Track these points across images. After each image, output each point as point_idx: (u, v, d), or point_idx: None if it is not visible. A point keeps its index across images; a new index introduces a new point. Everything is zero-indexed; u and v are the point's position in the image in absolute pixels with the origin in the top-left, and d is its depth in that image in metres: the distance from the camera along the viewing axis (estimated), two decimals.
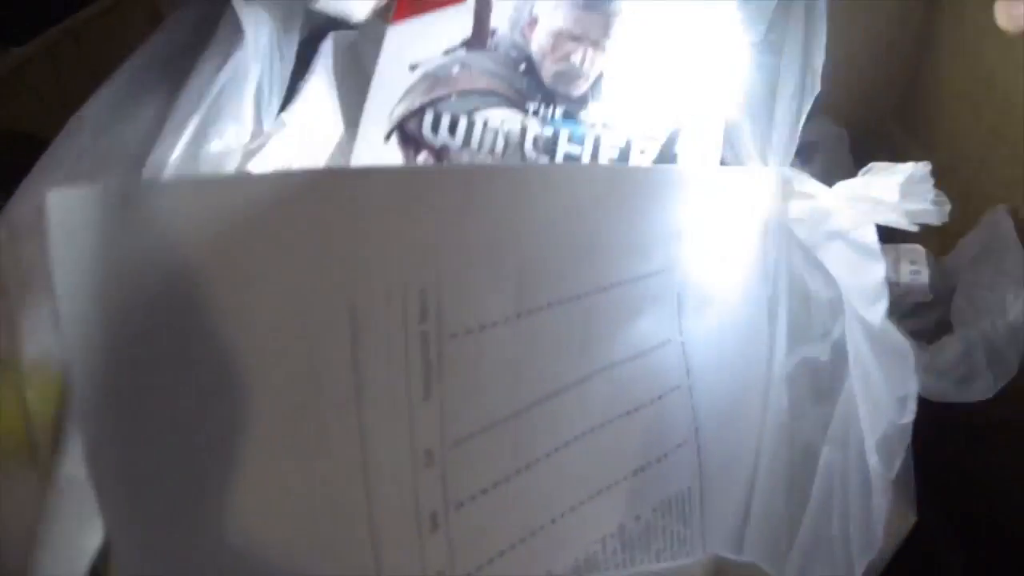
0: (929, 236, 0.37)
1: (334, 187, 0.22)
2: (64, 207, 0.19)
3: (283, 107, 0.40)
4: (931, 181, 0.34)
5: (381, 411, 0.24)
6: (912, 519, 0.30)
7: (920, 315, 0.41)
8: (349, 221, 0.22)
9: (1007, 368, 0.37)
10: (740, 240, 0.36)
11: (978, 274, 0.40)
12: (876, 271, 0.31)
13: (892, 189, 0.34)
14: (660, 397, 0.32)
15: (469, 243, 0.25)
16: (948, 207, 0.35)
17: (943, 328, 0.39)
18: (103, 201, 0.19)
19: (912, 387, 0.29)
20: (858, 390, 0.33)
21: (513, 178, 0.27)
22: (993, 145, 0.45)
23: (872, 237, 0.33)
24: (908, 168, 0.34)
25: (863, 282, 0.32)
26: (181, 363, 0.21)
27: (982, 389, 0.37)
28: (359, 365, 0.22)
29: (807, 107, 0.37)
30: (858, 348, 0.33)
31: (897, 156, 0.36)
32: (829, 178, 0.40)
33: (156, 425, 0.21)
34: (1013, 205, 0.41)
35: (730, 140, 0.39)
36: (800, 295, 0.37)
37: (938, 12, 0.48)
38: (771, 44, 0.38)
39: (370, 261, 0.22)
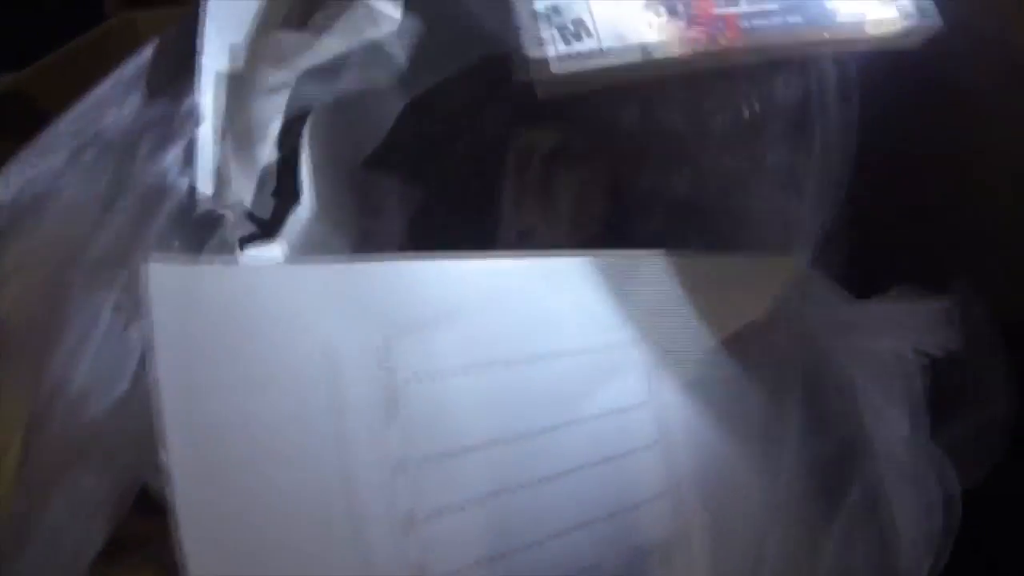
0: None
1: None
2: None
3: None
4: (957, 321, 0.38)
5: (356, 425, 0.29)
6: None
7: None
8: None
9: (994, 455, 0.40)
10: (741, 326, 0.39)
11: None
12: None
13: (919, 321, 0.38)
14: (632, 451, 0.36)
15: (422, 312, 0.32)
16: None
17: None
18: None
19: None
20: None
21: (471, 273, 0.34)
22: None
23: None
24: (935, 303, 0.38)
25: (894, 409, 0.36)
26: None
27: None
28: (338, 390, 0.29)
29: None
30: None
31: None
32: None
33: None
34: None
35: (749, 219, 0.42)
36: (814, 391, 0.39)
37: None
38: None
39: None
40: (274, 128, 0.36)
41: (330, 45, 0.35)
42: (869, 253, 0.42)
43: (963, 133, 0.46)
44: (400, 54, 0.36)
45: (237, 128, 0.35)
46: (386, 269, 0.32)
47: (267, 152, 0.36)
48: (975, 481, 0.40)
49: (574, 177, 0.44)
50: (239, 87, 0.35)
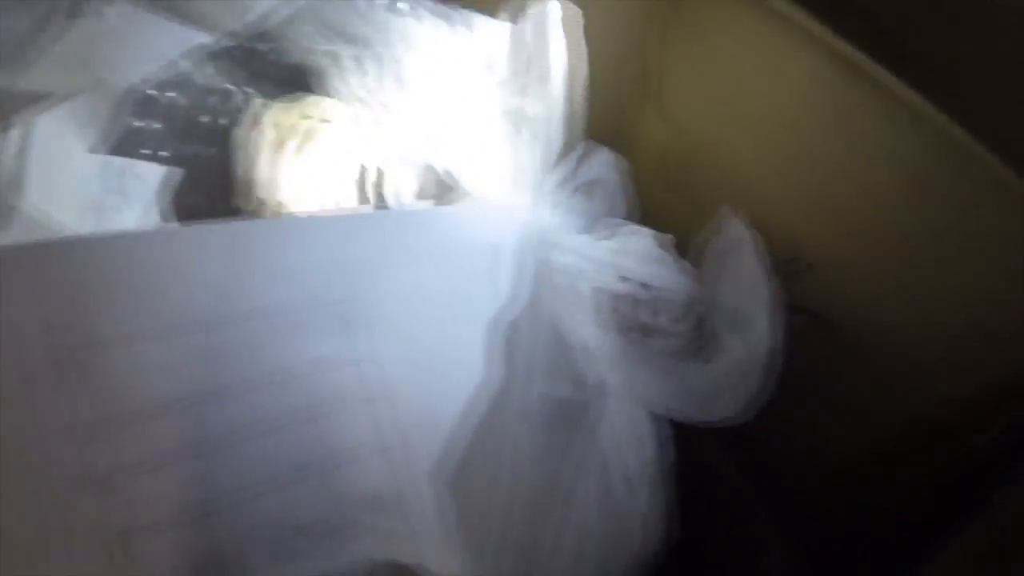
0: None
1: None
2: None
3: None
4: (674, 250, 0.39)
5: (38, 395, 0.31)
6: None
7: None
8: None
9: (749, 391, 0.40)
10: (460, 275, 0.39)
11: (725, 292, 0.42)
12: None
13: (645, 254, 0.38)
14: (340, 408, 0.37)
15: (80, 287, 0.33)
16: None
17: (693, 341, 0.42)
18: None
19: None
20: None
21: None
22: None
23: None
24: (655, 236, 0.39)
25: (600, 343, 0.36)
26: None
27: (724, 410, 0.40)
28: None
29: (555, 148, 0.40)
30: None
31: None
32: (613, 213, 0.44)
33: None
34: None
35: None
36: (554, 337, 0.40)
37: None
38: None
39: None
40: None
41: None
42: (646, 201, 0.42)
43: None
44: None
45: None
46: (44, 248, 0.34)
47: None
48: (731, 417, 0.39)
49: (328, 146, 0.45)
50: None
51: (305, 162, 0.45)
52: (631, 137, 0.51)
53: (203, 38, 0.40)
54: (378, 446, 0.37)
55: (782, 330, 0.40)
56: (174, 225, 0.38)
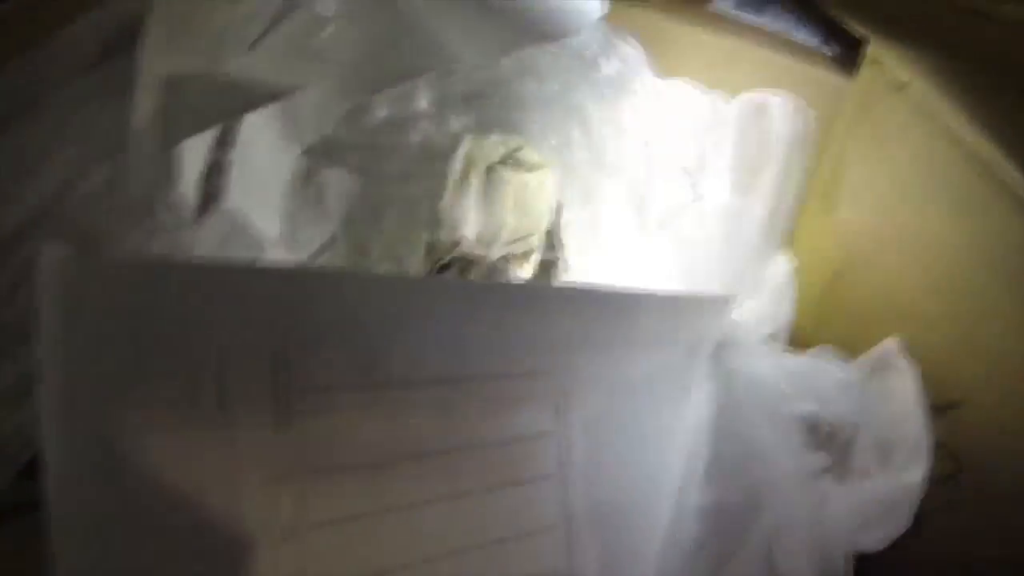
0: None
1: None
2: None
3: None
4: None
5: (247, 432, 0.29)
6: None
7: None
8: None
9: (898, 524, 0.41)
10: (660, 364, 0.39)
11: (878, 420, 0.43)
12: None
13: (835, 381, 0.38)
14: (529, 481, 0.36)
15: (318, 324, 0.31)
16: None
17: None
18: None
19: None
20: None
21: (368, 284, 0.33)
22: None
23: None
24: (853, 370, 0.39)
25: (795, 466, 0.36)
26: None
27: (873, 541, 0.41)
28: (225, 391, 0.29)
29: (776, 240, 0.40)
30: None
31: None
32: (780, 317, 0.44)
33: None
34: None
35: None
36: (722, 436, 0.40)
37: None
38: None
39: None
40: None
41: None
42: (805, 306, 0.43)
43: None
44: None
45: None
46: (287, 275, 0.31)
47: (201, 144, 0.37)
48: (879, 545, 0.41)
49: (519, 189, 0.43)
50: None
51: (488, 203, 0.44)
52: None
53: (440, 66, 0.39)
54: (555, 525, 0.37)
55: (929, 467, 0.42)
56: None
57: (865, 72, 0.47)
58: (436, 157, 0.41)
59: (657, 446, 0.39)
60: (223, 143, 0.38)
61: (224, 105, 0.36)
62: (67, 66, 0.38)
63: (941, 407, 0.44)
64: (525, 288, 0.38)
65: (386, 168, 0.42)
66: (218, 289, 0.30)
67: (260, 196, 0.39)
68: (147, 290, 0.29)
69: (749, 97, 0.41)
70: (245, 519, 0.29)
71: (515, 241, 0.44)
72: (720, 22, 0.46)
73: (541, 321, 0.36)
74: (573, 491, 0.37)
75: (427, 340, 0.33)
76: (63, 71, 0.38)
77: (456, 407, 0.34)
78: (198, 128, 0.36)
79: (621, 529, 0.38)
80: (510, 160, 0.44)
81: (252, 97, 0.36)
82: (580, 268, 0.43)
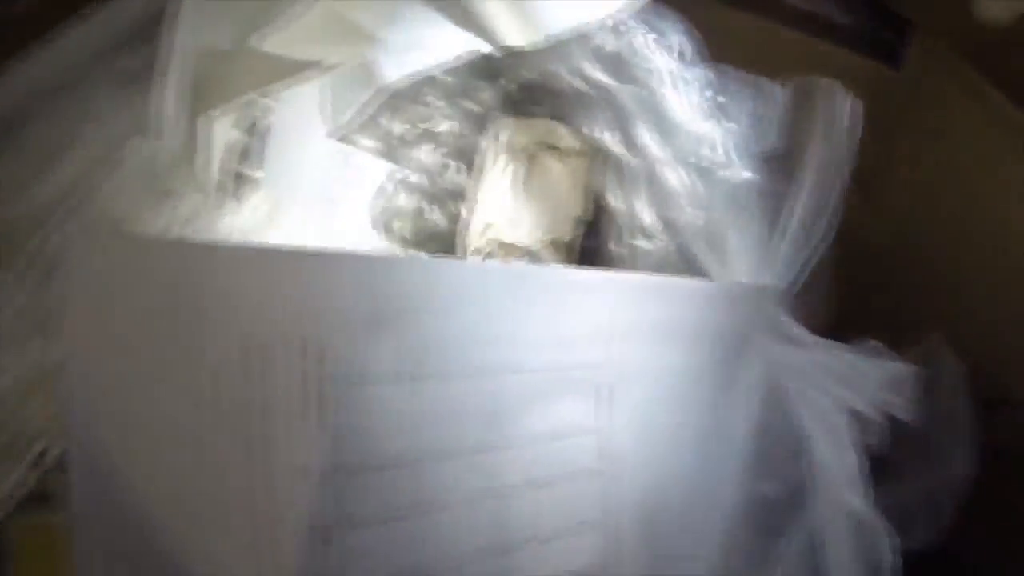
0: None
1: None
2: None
3: None
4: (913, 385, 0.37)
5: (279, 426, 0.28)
6: None
7: None
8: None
9: (942, 519, 0.40)
10: (706, 355, 0.38)
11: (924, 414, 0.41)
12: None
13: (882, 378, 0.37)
14: (571, 478, 0.35)
15: (353, 311, 0.30)
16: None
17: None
18: None
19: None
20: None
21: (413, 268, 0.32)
22: None
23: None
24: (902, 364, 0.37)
25: (843, 461, 0.35)
26: None
27: (920, 535, 0.40)
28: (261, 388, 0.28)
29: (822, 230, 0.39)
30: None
31: None
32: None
33: None
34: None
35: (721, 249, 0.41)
36: (766, 430, 0.38)
37: None
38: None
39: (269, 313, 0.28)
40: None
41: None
42: (849, 296, 0.41)
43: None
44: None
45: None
46: (320, 260, 0.30)
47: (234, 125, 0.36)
48: (921, 542, 0.39)
49: (554, 175, 0.42)
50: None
51: (522, 188, 0.43)
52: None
53: (478, 47, 0.37)
54: (598, 520, 0.36)
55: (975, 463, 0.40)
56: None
57: (914, 57, 0.45)
58: (471, 141, 0.40)
59: (702, 440, 0.38)
60: (257, 124, 0.37)
61: (258, 82, 0.35)
62: (99, 47, 0.37)
63: (989, 404, 0.43)
64: (569, 274, 0.36)
65: (420, 151, 0.41)
66: (248, 273, 0.28)
67: (294, 178, 0.38)
68: (178, 271, 0.27)
69: (796, 82, 0.40)
70: (281, 521, 0.28)
71: (551, 228, 0.43)
72: (764, 6, 0.45)
73: (586, 310, 0.35)
74: (616, 486, 0.36)
75: (469, 329, 0.32)
76: (95, 52, 0.37)
77: (496, 400, 0.33)
78: (231, 107, 0.35)
79: (665, 524, 0.37)
80: (548, 145, 0.43)
81: (287, 74, 0.35)
82: (619, 257, 0.42)
